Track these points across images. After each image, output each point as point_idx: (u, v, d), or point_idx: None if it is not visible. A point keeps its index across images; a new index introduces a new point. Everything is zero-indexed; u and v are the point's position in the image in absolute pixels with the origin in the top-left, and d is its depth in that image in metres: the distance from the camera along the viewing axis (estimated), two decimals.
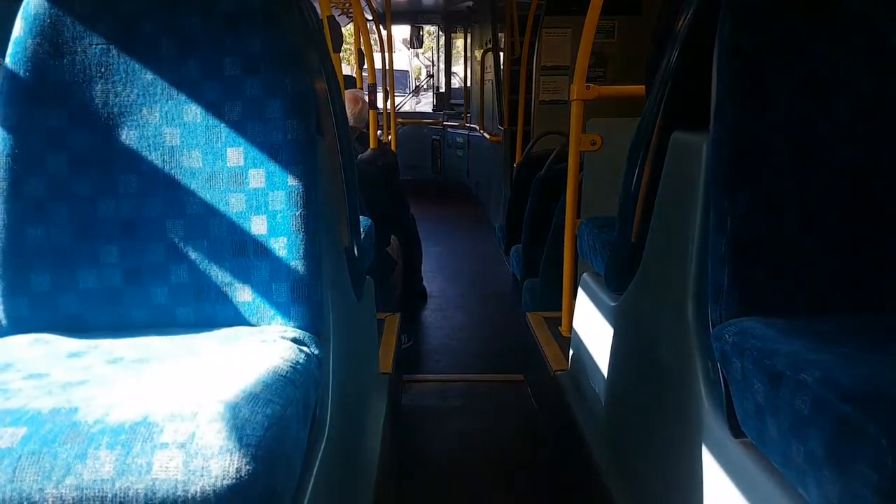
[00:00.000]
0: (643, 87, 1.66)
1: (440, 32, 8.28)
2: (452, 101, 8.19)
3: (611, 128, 2.31)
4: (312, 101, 1.14)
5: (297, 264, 1.08)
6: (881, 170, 1.08)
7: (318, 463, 1.02)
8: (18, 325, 1.07)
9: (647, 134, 1.41)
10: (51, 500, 0.69)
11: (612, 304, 1.61)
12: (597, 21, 2.24)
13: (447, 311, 3.76)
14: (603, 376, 1.71)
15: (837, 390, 0.76)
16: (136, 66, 1.11)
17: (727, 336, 1.01)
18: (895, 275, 1.07)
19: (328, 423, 1.11)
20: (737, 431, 1.01)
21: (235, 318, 1.10)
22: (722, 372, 1.04)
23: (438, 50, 8.59)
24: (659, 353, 1.33)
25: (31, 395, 0.81)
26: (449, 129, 8.02)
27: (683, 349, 1.18)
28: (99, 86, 1.10)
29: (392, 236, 3.22)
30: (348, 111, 2.09)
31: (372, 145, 3.21)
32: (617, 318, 1.59)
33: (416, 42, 8.22)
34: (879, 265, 1.08)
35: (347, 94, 3.05)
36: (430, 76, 9.08)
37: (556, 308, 2.62)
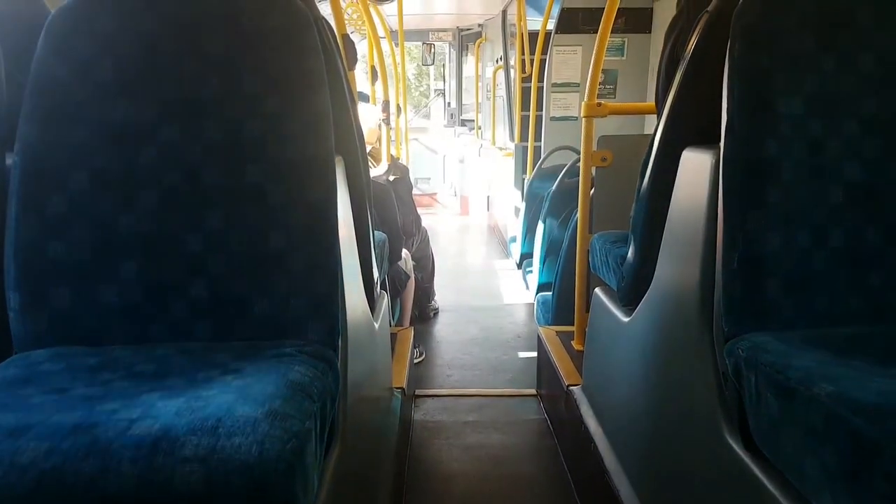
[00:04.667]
0: (653, 103, 1.68)
1: (451, 50, 8.35)
2: (463, 118, 8.25)
3: (622, 144, 2.33)
4: (330, 118, 1.16)
5: (315, 279, 1.10)
6: (888, 184, 1.09)
7: (334, 477, 1.03)
8: (38, 341, 1.08)
9: (658, 150, 1.42)
10: None
11: (625, 318, 1.62)
12: (607, 39, 2.26)
13: (459, 325, 3.76)
14: (616, 391, 1.71)
15: (850, 404, 0.77)
16: (158, 84, 1.13)
17: (740, 350, 1.02)
18: None
19: (343, 437, 1.12)
20: (751, 446, 1.01)
21: (253, 332, 1.11)
22: (735, 386, 1.04)
23: (449, 66, 8.66)
24: (672, 368, 1.33)
25: (51, 409, 0.82)
26: (460, 144, 8.07)
27: (696, 364, 1.19)
28: (120, 103, 1.12)
29: (404, 250, 3.24)
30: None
31: (385, 160, 3.24)
32: (630, 333, 1.59)
33: (428, 59, 8.30)
34: (890, 278, 1.08)
35: (359, 110, 3.08)
36: (441, 92, 9.15)
37: (569, 322, 2.62)
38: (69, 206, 1.09)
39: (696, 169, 1.25)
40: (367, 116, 3.23)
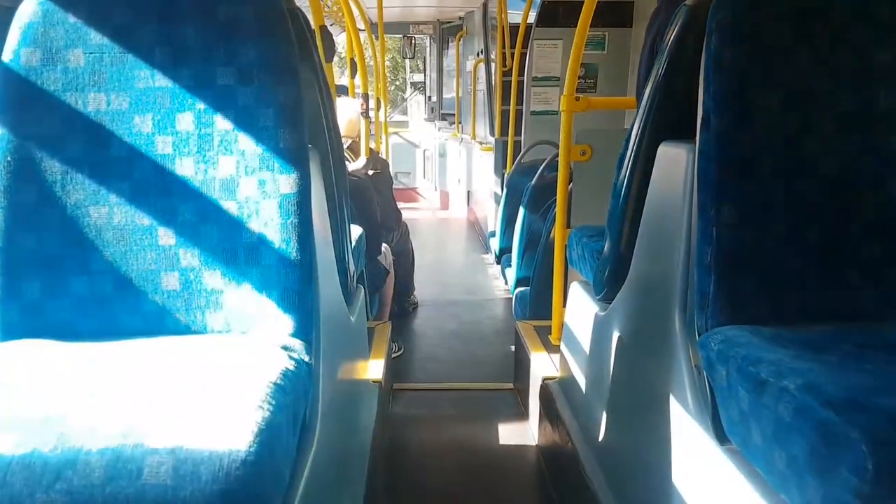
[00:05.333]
0: (633, 98, 1.69)
1: (432, 43, 8.33)
2: (443, 112, 8.24)
3: (600, 138, 2.34)
4: (304, 110, 1.15)
5: (288, 272, 1.09)
6: (863, 180, 1.10)
7: (307, 470, 1.02)
8: (9, 332, 1.07)
9: (635, 144, 1.43)
10: None
11: (602, 312, 1.63)
12: (587, 33, 2.27)
13: (438, 320, 3.76)
14: (592, 384, 1.72)
15: (820, 397, 0.78)
16: (130, 74, 1.11)
17: (713, 344, 1.03)
18: (878, 284, 1.09)
19: (318, 430, 1.11)
20: (722, 438, 1.02)
21: (226, 324, 1.10)
22: (708, 379, 1.05)
23: (430, 60, 8.63)
24: (646, 361, 1.34)
25: (20, 401, 0.81)
26: (441, 139, 8.06)
27: (670, 357, 1.20)
28: (92, 93, 1.11)
29: (383, 244, 3.23)
30: (340, 120, 2.10)
31: (364, 154, 3.22)
32: (606, 327, 1.60)
33: (408, 52, 8.27)
34: (862, 275, 1.09)
35: (339, 103, 3.06)
36: (421, 84, 9.13)
37: (547, 316, 2.63)
38: (40, 196, 1.08)
39: (672, 163, 1.26)
40: (347, 109, 3.21)
